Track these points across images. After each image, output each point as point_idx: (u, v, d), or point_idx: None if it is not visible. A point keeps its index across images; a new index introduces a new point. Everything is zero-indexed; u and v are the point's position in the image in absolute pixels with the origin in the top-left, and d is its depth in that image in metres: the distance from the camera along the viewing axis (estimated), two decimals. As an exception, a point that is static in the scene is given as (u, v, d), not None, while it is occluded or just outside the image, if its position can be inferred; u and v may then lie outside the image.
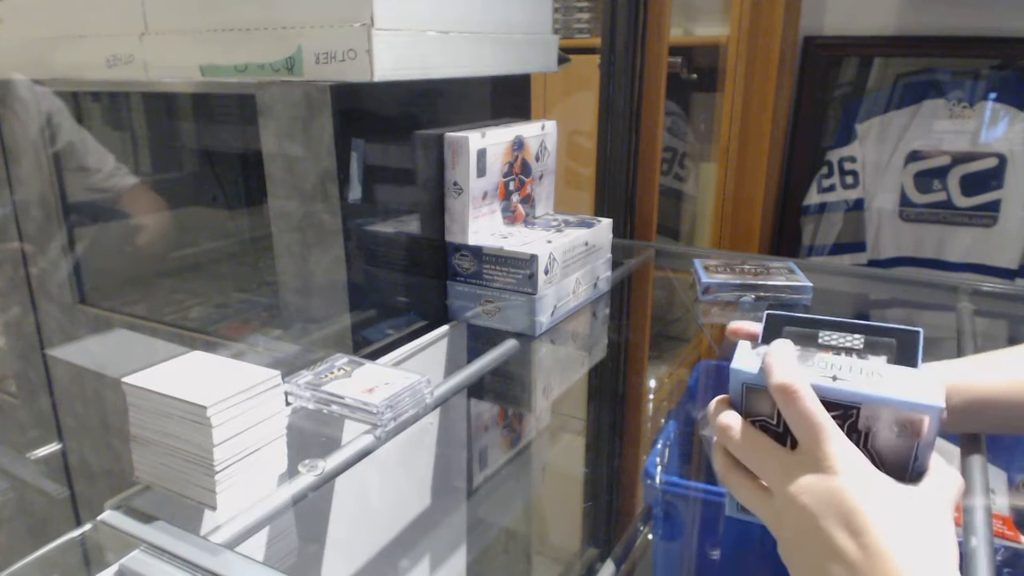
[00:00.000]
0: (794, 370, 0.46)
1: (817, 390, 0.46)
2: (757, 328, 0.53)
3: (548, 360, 0.99)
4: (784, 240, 1.84)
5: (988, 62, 1.58)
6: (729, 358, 0.52)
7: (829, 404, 0.46)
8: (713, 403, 0.52)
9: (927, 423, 0.45)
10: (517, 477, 1.16)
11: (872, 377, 0.47)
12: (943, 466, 0.46)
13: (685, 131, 1.95)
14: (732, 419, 0.49)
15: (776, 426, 0.49)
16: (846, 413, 0.47)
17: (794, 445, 0.46)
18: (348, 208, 0.80)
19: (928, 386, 0.46)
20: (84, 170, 1.09)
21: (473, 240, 0.83)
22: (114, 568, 0.47)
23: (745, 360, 0.50)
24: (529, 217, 0.95)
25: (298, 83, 0.75)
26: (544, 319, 0.83)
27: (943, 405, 0.45)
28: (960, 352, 0.79)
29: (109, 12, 0.85)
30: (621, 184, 1.25)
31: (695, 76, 1.86)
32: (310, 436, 0.62)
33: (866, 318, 0.60)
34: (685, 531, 0.87)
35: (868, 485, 0.43)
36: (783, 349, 0.48)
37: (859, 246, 1.72)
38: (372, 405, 0.59)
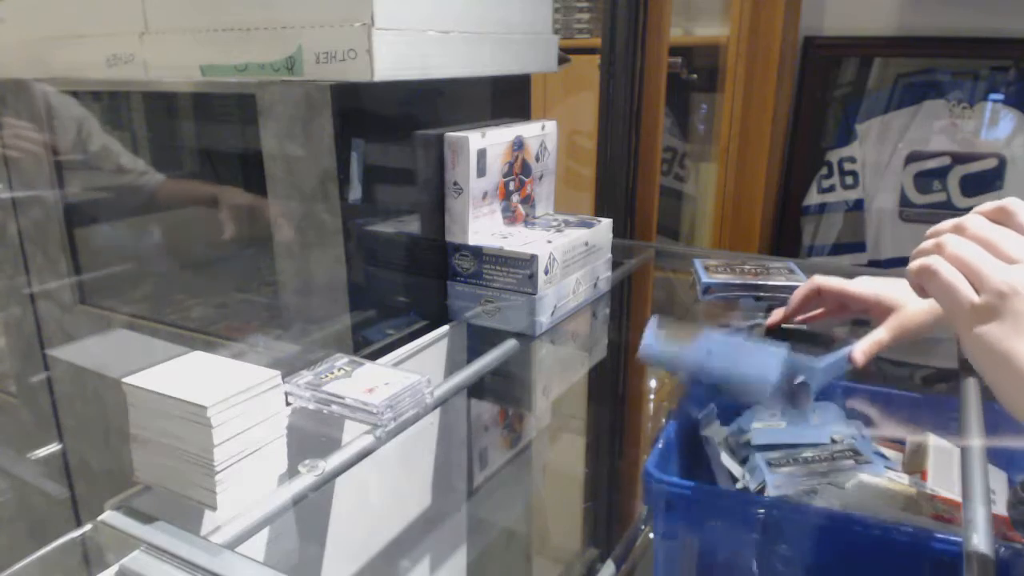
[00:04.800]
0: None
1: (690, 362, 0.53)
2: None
3: (548, 360, 0.99)
4: (784, 240, 1.84)
5: (988, 62, 1.57)
6: None
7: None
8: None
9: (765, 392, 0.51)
10: (517, 477, 1.16)
11: (738, 349, 0.54)
12: None
13: (685, 131, 1.95)
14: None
15: None
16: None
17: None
18: (348, 208, 0.80)
19: (770, 363, 0.52)
20: (120, 171, 1.13)
21: (473, 240, 0.83)
22: (114, 568, 0.47)
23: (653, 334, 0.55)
24: (529, 217, 0.95)
25: (298, 83, 0.75)
26: (544, 319, 0.83)
27: (774, 381, 0.50)
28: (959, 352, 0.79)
29: (109, 12, 0.85)
30: (621, 184, 1.25)
31: (695, 76, 1.86)
32: (310, 436, 0.62)
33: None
34: (685, 531, 0.87)
35: None
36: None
37: (859, 246, 1.72)
38: (372, 405, 0.59)
